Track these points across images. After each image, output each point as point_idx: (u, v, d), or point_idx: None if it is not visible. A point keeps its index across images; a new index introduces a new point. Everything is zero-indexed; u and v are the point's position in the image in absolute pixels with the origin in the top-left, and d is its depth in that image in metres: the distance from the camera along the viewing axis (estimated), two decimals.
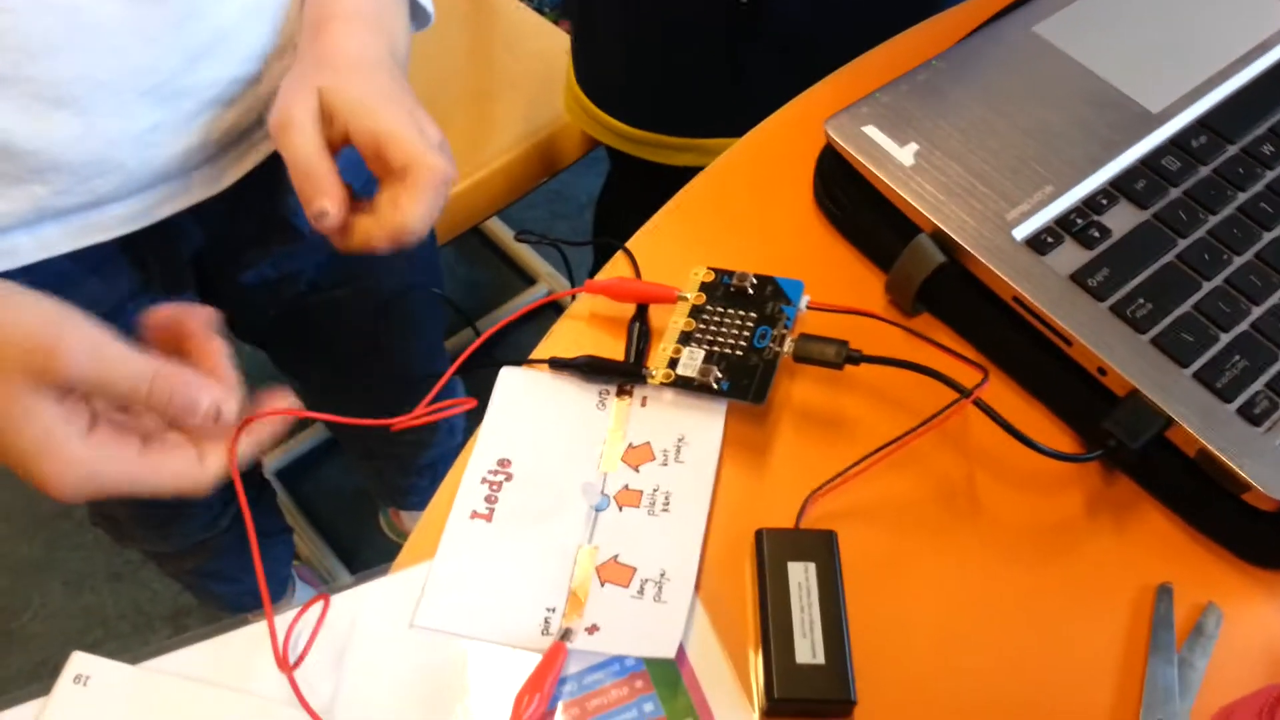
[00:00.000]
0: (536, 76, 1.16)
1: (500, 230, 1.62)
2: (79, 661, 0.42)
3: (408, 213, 0.47)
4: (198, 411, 0.40)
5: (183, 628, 0.38)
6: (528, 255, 1.59)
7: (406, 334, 0.88)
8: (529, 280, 1.58)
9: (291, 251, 0.70)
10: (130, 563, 1.34)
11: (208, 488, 0.42)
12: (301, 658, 0.42)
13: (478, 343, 0.51)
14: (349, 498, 1.41)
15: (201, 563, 0.95)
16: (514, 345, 0.52)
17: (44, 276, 0.55)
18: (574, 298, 0.54)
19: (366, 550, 1.38)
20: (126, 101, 0.52)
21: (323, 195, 0.47)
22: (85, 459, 0.39)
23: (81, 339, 0.39)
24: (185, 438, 0.42)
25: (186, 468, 0.41)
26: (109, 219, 0.56)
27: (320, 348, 0.83)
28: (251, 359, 1.49)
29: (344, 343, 0.83)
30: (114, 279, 0.60)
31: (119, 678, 0.42)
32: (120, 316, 0.61)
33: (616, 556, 0.46)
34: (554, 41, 1.19)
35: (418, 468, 1.15)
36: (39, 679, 0.42)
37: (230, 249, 0.67)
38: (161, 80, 0.53)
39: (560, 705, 0.42)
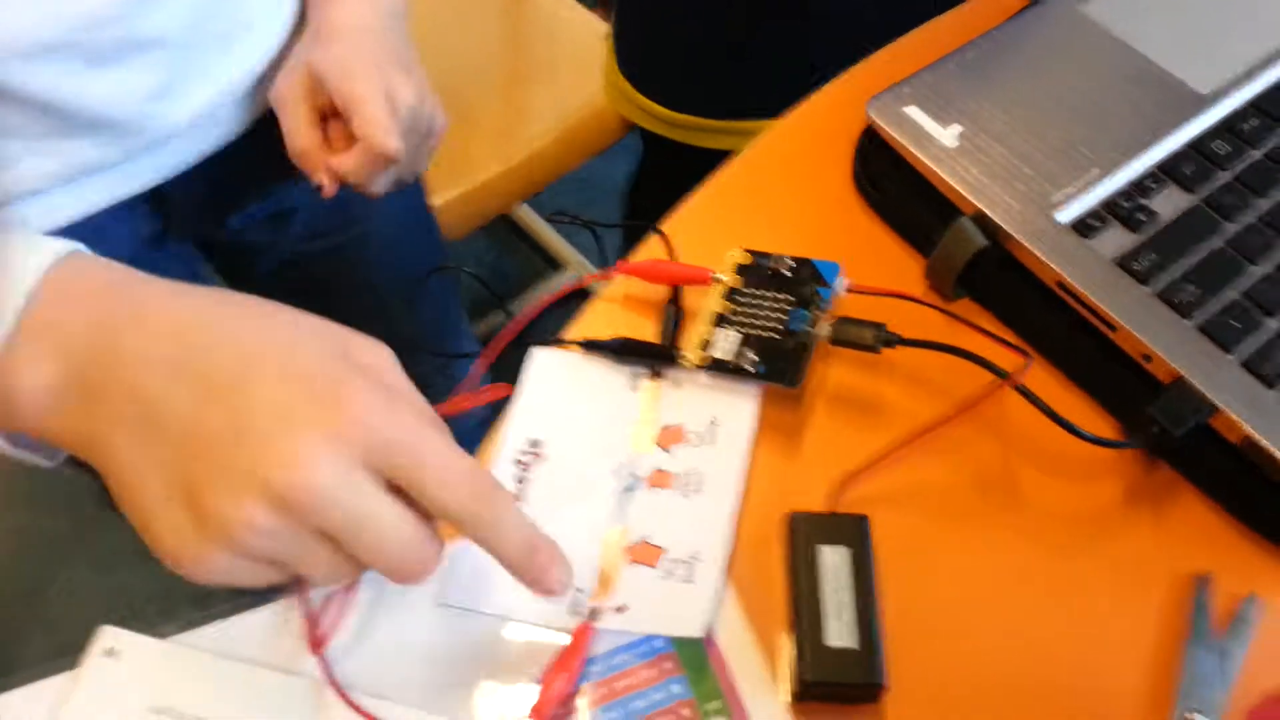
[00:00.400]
0: (569, 63, 1.16)
1: (530, 217, 1.62)
2: (108, 635, 0.42)
3: (345, 164, 0.57)
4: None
5: (209, 610, 0.38)
6: (557, 242, 1.59)
7: (412, 297, 0.87)
8: (558, 267, 1.58)
9: (286, 188, 0.71)
10: None
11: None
12: (328, 636, 0.42)
13: (513, 324, 0.51)
14: None
15: None
16: (542, 331, 0.52)
17: (76, 228, 0.57)
18: (608, 280, 0.54)
19: None
20: (155, 59, 0.54)
21: (315, 171, 0.58)
22: (396, 392, 0.35)
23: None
24: None
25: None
26: (141, 170, 0.58)
27: (320, 306, 0.84)
28: None
29: (346, 299, 0.83)
30: (135, 225, 0.62)
31: (148, 651, 0.42)
32: (142, 265, 0.62)
33: (647, 538, 0.46)
34: (588, 28, 1.19)
35: None
36: (64, 659, 0.42)
37: (228, 189, 0.68)
38: (181, 35, 0.55)
39: (588, 685, 0.42)
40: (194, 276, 0.70)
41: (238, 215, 0.69)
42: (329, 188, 0.58)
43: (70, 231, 0.56)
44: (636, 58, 0.92)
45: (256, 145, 0.65)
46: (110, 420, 0.33)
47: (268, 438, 0.32)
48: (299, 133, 0.58)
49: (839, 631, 0.41)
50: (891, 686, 0.40)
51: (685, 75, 0.88)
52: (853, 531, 0.43)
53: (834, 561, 0.43)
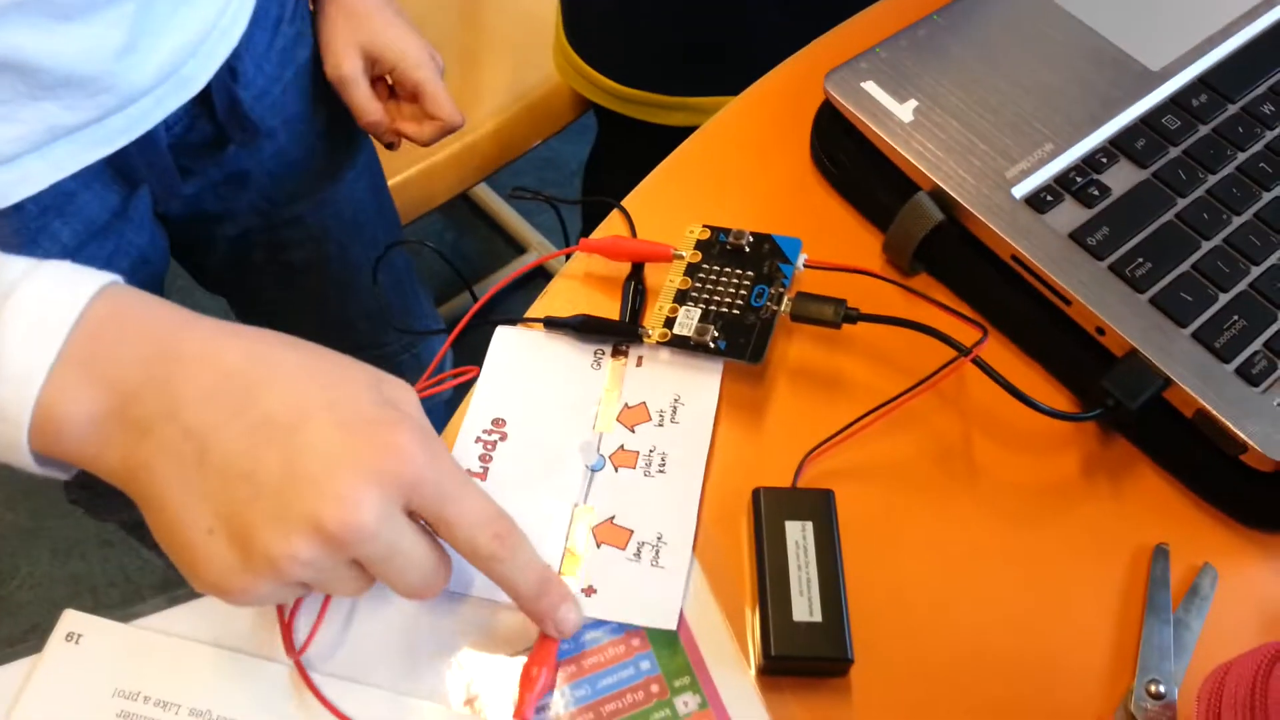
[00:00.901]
0: (526, 38, 1.15)
1: (489, 198, 1.61)
2: (71, 619, 0.42)
3: (422, 135, 0.74)
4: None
5: (173, 598, 0.38)
6: (517, 223, 1.58)
7: (375, 273, 0.87)
8: (519, 249, 1.57)
9: (240, 149, 0.70)
10: (120, 530, 1.33)
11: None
12: (307, 643, 0.42)
13: (477, 306, 0.50)
14: None
15: None
16: (504, 311, 0.51)
17: (47, 196, 0.56)
18: (568, 257, 0.54)
19: None
20: (122, 14, 0.53)
21: (388, 133, 0.74)
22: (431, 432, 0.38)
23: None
24: None
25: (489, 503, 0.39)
26: (110, 132, 0.57)
27: (288, 281, 0.84)
28: None
29: (313, 272, 0.83)
30: (104, 193, 0.61)
31: (111, 636, 0.42)
32: (112, 234, 0.62)
33: (613, 518, 0.46)
34: (542, 1, 1.18)
35: None
36: (28, 643, 0.42)
37: (188, 154, 0.67)
38: None
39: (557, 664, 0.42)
40: (157, 249, 0.69)
41: (193, 181, 0.69)
42: (398, 145, 0.75)
43: (39, 200, 0.56)
44: (584, 30, 0.91)
45: (211, 106, 0.65)
46: (156, 453, 0.35)
47: (320, 479, 0.34)
48: (370, 108, 0.71)
49: (805, 606, 0.41)
50: (856, 660, 0.41)
51: (633, 50, 0.87)
52: (818, 506, 0.44)
53: (799, 536, 0.43)
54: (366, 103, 0.71)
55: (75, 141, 0.55)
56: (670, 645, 0.42)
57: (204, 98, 0.63)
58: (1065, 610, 0.44)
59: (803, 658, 0.41)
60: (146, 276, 0.68)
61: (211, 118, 0.66)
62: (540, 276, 1.43)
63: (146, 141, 0.60)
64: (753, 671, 0.42)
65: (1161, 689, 0.41)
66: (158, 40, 0.56)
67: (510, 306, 0.50)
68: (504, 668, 0.42)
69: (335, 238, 0.81)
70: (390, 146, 0.75)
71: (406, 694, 0.41)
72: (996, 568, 0.45)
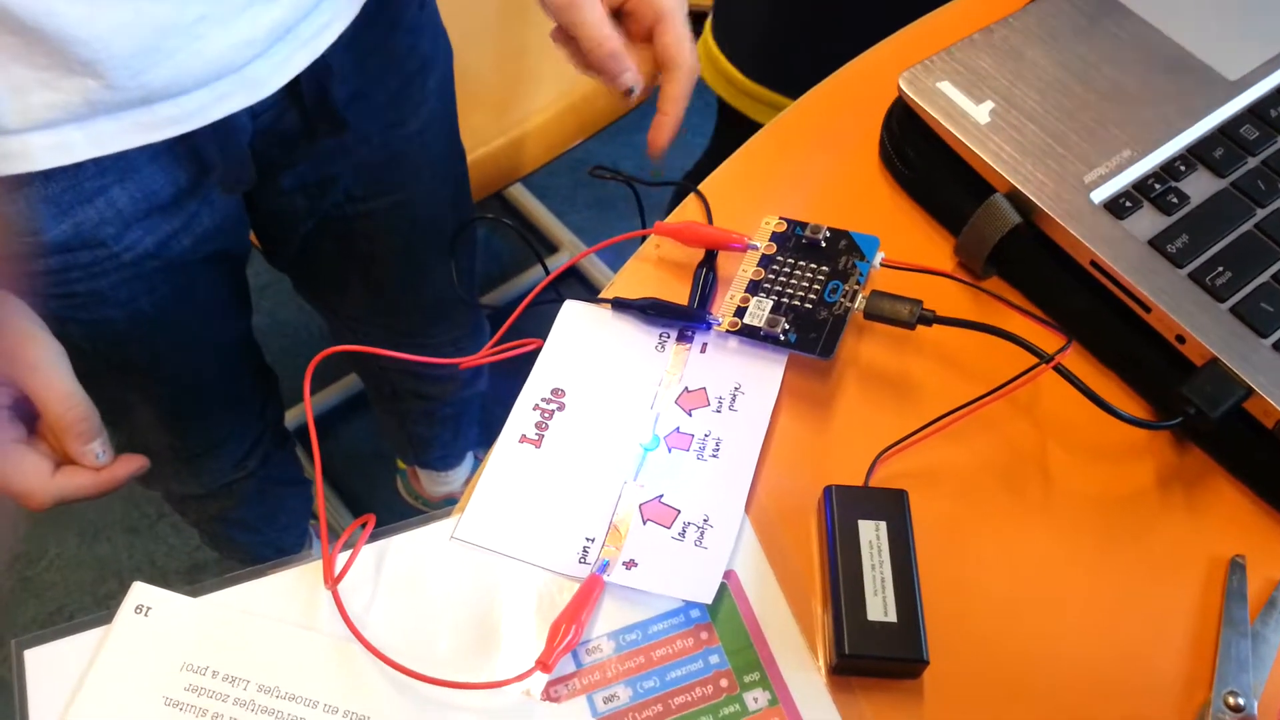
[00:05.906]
0: None
1: (523, 196, 1.61)
2: (140, 592, 0.41)
3: (675, 113, 0.56)
4: (92, 439, 0.50)
5: (196, 582, 0.39)
6: (549, 221, 1.58)
7: (441, 257, 0.87)
8: (551, 247, 1.57)
9: (333, 149, 0.69)
10: (146, 516, 1.33)
11: (43, 500, 0.49)
12: (343, 573, 0.42)
13: (551, 277, 0.50)
14: (366, 460, 1.40)
15: (227, 508, 0.94)
16: (533, 308, 0.51)
17: (108, 159, 0.55)
18: (642, 240, 0.53)
19: (382, 513, 1.36)
20: None
21: (624, 73, 0.55)
22: None
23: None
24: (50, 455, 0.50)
25: (38, 473, 0.49)
26: (161, 118, 0.54)
27: (353, 268, 0.83)
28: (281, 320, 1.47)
29: (377, 263, 0.82)
30: (171, 170, 0.59)
31: (179, 609, 0.41)
32: (178, 210, 0.61)
33: (661, 497, 0.45)
34: None
35: (441, 417, 1.14)
36: (95, 615, 0.42)
37: (276, 143, 0.65)
38: None
39: (625, 654, 0.42)
40: (231, 230, 0.67)
41: (288, 175, 0.68)
42: (640, 85, 0.56)
43: (99, 163, 0.55)
44: (731, 27, 0.90)
45: (300, 97, 0.63)
46: None
47: None
48: (610, 33, 0.54)
49: (880, 606, 0.41)
50: (929, 661, 0.40)
51: (777, 51, 0.87)
52: (892, 506, 0.43)
53: (873, 536, 0.42)
54: (607, 32, 0.54)
55: (119, 120, 0.53)
56: (739, 640, 0.42)
57: (293, 87, 0.61)
58: (1139, 621, 0.44)
59: (876, 657, 0.40)
60: (213, 252, 0.67)
61: (300, 108, 0.63)
62: (572, 275, 1.42)
63: (223, 131, 0.58)
64: (823, 670, 0.41)
65: (1240, 701, 0.41)
66: (217, 28, 0.53)
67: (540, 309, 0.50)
68: (533, 632, 0.42)
69: (404, 234, 0.80)
70: (629, 93, 0.56)
71: (447, 654, 0.42)
72: (1069, 576, 0.45)
